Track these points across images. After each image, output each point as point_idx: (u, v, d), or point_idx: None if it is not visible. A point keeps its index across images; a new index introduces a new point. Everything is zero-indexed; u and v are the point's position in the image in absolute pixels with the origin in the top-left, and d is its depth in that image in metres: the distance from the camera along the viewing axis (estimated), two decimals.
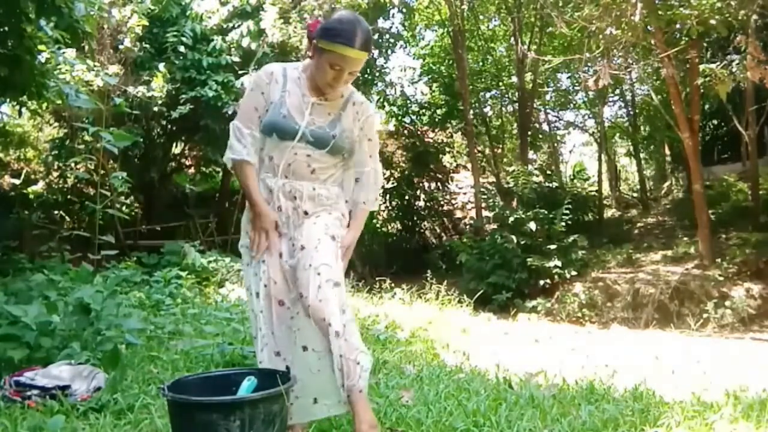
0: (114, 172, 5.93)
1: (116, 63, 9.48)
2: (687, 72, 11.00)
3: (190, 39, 10.31)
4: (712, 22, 8.31)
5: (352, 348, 1.99)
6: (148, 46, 10.27)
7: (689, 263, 10.83)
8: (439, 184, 17.44)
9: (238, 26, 10.40)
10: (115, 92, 9.03)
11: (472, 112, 15.61)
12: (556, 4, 11.12)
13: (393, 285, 9.45)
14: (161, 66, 10.05)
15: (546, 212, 11.61)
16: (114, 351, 3.00)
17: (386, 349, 4.42)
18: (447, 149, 17.80)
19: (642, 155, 18.32)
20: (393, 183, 16.50)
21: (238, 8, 10.52)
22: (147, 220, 12.87)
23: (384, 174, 9.77)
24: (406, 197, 16.77)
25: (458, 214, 17.59)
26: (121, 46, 9.70)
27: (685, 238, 11.89)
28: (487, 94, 18.17)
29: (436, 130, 17.71)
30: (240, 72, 10.42)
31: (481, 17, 16.34)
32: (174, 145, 13.76)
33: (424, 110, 17.84)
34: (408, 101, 17.59)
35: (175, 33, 10.17)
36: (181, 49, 10.24)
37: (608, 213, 16.36)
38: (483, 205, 13.74)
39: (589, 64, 10.19)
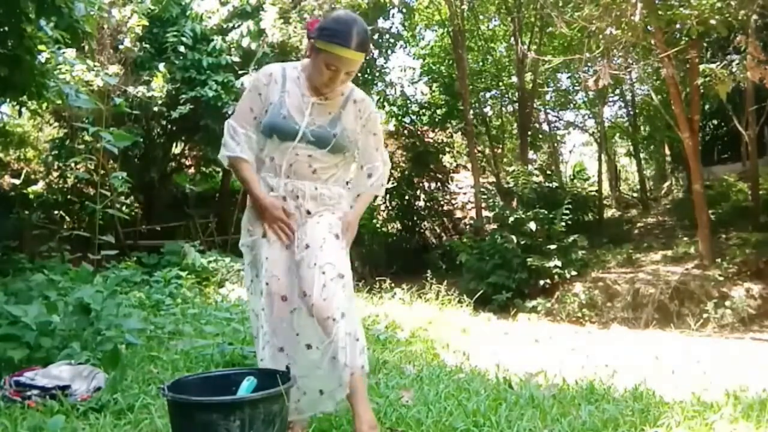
0: (114, 172, 5.93)
1: (116, 63, 9.49)
2: (687, 72, 10.99)
3: (190, 39, 10.32)
4: (712, 22, 8.32)
5: (352, 325, 2.04)
6: (148, 46, 10.28)
7: (689, 263, 10.83)
8: (439, 184, 17.42)
9: (238, 26, 10.40)
10: (115, 92, 9.04)
11: (472, 112, 15.60)
12: (556, 4, 11.11)
13: (393, 285, 9.44)
14: (161, 66, 10.06)
15: (546, 212, 11.60)
16: (114, 351, 3.00)
17: (386, 349, 4.41)
18: (447, 149, 17.80)
19: (642, 155, 18.32)
20: (393, 183, 16.42)
21: (238, 8, 10.52)
22: (147, 220, 12.87)
23: None
24: (406, 197, 16.76)
25: (458, 214, 17.57)
26: (121, 46, 9.71)
27: (685, 238, 11.89)
28: (487, 94, 18.18)
29: (436, 130, 17.70)
30: (240, 72, 10.43)
31: (481, 17, 16.33)
32: (174, 145, 13.74)
33: (424, 110, 17.83)
34: (408, 101, 17.58)
35: (175, 33, 10.18)
36: (181, 49, 10.24)
37: (608, 213, 16.36)
38: (483, 205, 13.74)
39: (589, 64, 10.19)
